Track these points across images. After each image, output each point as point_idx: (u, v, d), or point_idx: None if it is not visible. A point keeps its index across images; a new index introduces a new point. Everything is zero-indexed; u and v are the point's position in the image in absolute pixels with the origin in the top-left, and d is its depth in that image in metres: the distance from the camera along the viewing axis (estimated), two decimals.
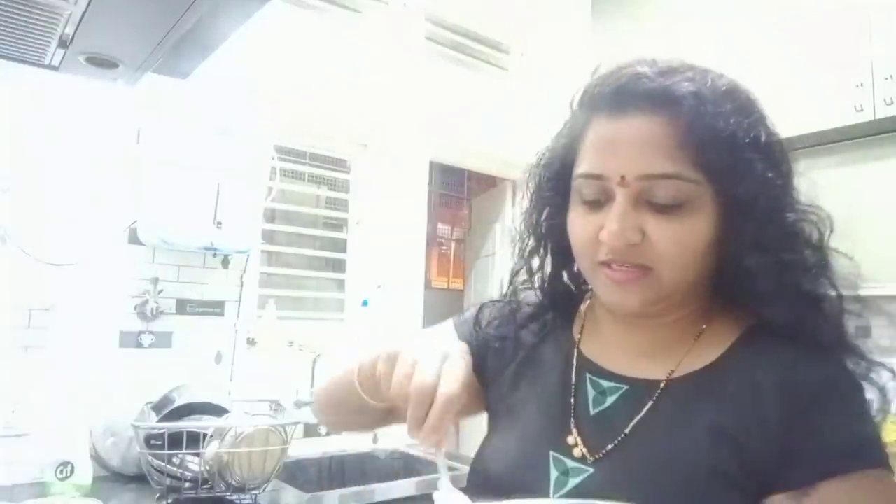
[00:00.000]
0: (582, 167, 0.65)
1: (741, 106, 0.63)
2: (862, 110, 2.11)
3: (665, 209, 0.60)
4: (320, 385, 0.84)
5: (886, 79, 2.07)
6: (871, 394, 0.62)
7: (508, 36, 3.11)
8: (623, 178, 0.60)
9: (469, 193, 4.55)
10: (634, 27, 2.72)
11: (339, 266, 2.67)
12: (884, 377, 0.63)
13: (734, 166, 0.60)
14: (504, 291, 0.80)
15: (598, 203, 0.63)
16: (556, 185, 0.71)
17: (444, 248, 4.77)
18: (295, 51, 2.37)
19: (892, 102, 2.06)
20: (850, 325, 0.66)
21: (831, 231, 0.65)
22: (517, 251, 0.78)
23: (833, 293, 0.63)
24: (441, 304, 3.10)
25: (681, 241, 0.61)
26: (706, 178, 0.60)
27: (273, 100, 2.23)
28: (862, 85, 2.12)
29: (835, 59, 2.19)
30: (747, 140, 0.61)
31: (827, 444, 0.57)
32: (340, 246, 2.68)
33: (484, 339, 0.79)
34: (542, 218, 0.74)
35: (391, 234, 2.64)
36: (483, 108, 2.91)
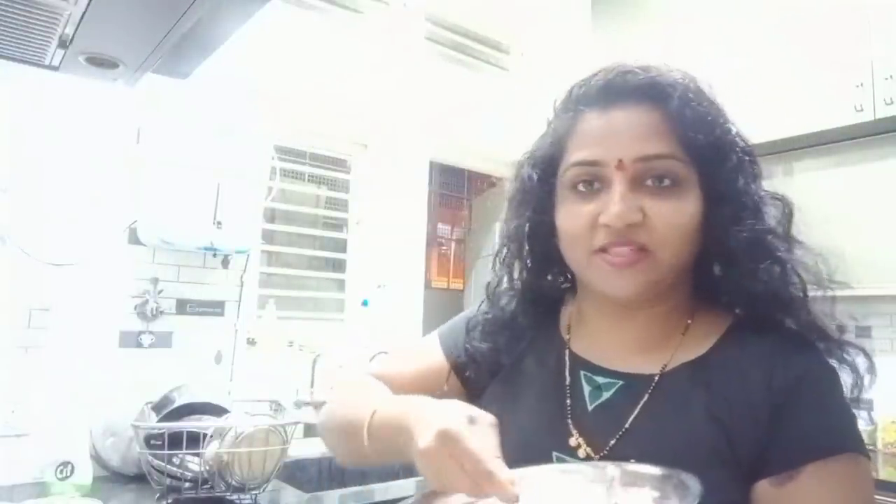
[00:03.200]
0: (576, 157, 0.68)
1: (716, 103, 0.70)
2: (862, 110, 2.11)
3: (660, 190, 0.64)
4: (327, 409, 0.83)
5: (886, 79, 2.07)
6: (845, 375, 0.65)
7: (508, 36, 3.11)
8: (621, 161, 0.64)
9: (469, 193, 4.55)
10: (634, 27, 2.72)
11: (339, 266, 2.67)
12: (857, 357, 0.66)
13: (717, 149, 0.65)
14: (484, 301, 0.82)
15: (591, 192, 0.66)
16: (542, 185, 0.73)
17: (444, 248, 4.76)
18: (295, 51, 2.37)
19: (892, 102, 2.06)
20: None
21: (791, 214, 0.69)
22: (497, 259, 0.80)
23: (802, 280, 0.67)
24: (441, 304, 3.10)
25: (677, 219, 0.64)
26: (693, 161, 0.65)
27: (273, 100, 2.23)
28: (862, 85, 2.12)
29: (835, 59, 2.19)
30: (725, 130, 0.67)
31: (806, 431, 0.61)
32: (340, 246, 2.68)
33: (470, 350, 0.80)
34: (524, 223, 0.75)
35: (391, 234, 2.64)
36: (483, 108, 2.91)
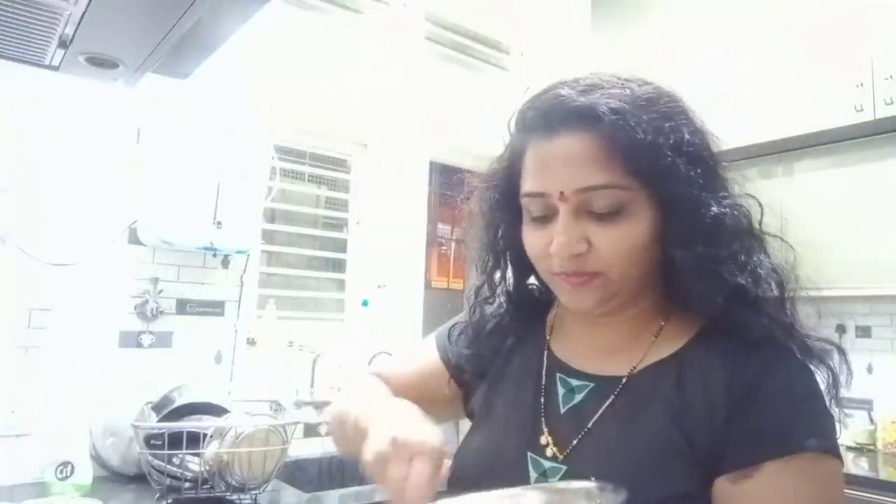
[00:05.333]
0: (526, 187, 0.69)
1: (662, 112, 0.66)
2: (862, 110, 2.11)
3: (605, 217, 0.65)
4: (333, 404, 0.87)
5: (886, 79, 2.07)
6: (818, 372, 0.64)
7: (508, 36, 3.11)
8: (562, 193, 0.65)
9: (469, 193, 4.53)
10: (634, 27, 2.72)
11: (339, 266, 2.67)
12: (833, 357, 0.65)
13: (658, 170, 0.64)
14: (469, 308, 0.84)
15: (545, 218, 0.68)
16: (506, 204, 0.75)
17: (444, 248, 4.76)
18: (295, 51, 2.37)
19: (892, 102, 2.06)
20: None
21: (762, 216, 0.68)
22: (477, 268, 0.82)
23: (770, 279, 0.66)
24: (441, 304, 3.09)
25: (623, 244, 0.65)
26: (638, 183, 0.64)
27: (273, 100, 2.23)
28: (862, 85, 2.12)
29: (835, 59, 2.19)
30: (668, 143, 0.64)
31: (765, 428, 0.61)
32: (340, 246, 2.68)
33: (460, 354, 0.83)
34: (498, 235, 0.78)
35: (391, 234, 2.64)
36: (483, 108, 2.91)
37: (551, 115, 0.67)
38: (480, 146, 2.93)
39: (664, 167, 0.64)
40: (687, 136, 0.66)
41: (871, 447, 2.26)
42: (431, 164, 2.89)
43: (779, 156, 2.36)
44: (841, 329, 2.44)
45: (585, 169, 0.64)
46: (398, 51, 2.68)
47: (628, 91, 0.66)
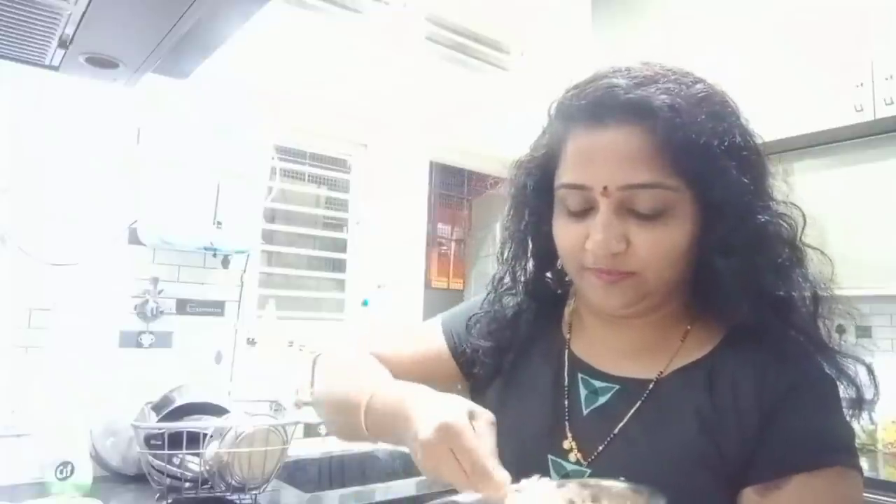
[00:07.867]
0: (565, 178, 0.66)
1: (716, 112, 0.64)
2: (862, 110, 2.11)
3: (647, 216, 0.62)
4: (322, 390, 0.83)
5: (886, 79, 2.07)
6: (846, 390, 0.64)
7: (508, 36, 3.11)
8: (605, 188, 0.62)
9: (469, 193, 4.55)
10: (634, 27, 2.72)
11: (339, 266, 2.67)
12: (860, 373, 0.65)
13: (709, 173, 0.62)
14: (488, 297, 0.82)
15: (582, 212, 0.65)
16: (538, 193, 0.72)
17: (444, 248, 4.76)
18: (295, 51, 2.37)
19: (892, 102, 2.05)
20: (836, 324, 0.67)
21: (804, 228, 0.66)
22: (500, 256, 0.79)
23: (806, 292, 0.65)
24: (441, 304, 3.09)
25: (663, 246, 0.63)
26: (684, 184, 0.62)
27: (273, 100, 2.23)
28: (862, 85, 2.12)
29: (835, 59, 2.19)
30: (722, 146, 0.62)
31: (794, 441, 0.60)
32: (340, 246, 2.68)
33: (473, 346, 0.80)
34: (525, 223, 0.75)
35: (391, 234, 2.64)
36: (483, 108, 2.91)
37: (601, 105, 0.63)
38: (480, 146, 2.94)
39: (716, 171, 0.61)
40: (739, 140, 0.64)
41: (871, 447, 2.26)
42: (431, 164, 2.89)
43: (779, 156, 2.35)
44: (841, 329, 2.43)
45: (633, 165, 0.61)
46: (398, 51, 2.68)
47: (683, 87, 0.64)
